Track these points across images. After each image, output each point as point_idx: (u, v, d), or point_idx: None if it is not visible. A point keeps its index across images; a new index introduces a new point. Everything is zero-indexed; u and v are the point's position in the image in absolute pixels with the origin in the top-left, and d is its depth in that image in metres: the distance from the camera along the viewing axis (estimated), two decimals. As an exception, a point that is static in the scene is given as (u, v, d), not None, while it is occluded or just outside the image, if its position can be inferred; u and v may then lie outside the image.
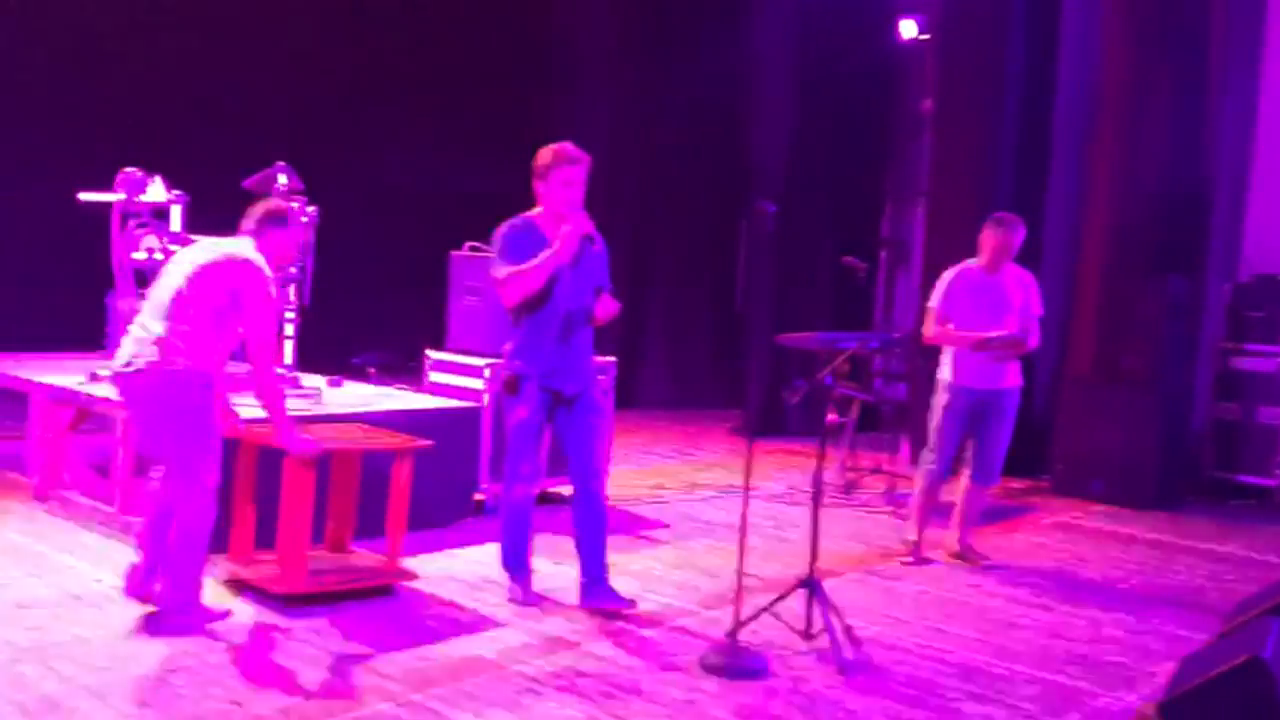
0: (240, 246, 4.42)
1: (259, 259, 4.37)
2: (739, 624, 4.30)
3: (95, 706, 3.56)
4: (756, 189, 10.80)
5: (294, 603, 4.59)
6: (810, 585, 4.53)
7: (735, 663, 4.18)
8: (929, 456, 5.93)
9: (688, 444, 9.00)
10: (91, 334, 6.89)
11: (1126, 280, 8.20)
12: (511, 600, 4.81)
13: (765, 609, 4.49)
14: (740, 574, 4.31)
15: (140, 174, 6.08)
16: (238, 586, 4.77)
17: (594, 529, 4.85)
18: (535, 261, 4.59)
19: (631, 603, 4.79)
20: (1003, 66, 8.69)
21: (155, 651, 4.05)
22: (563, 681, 4.00)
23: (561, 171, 4.65)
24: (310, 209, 6.44)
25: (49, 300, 7.65)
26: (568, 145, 4.72)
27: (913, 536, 6.00)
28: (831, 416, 7.75)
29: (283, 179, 6.24)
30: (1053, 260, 9.05)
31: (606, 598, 4.78)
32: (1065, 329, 9.13)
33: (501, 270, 4.66)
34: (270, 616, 4.50)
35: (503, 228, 4.75)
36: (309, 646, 4.19)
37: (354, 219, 9.52)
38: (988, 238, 5.83)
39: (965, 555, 6.01)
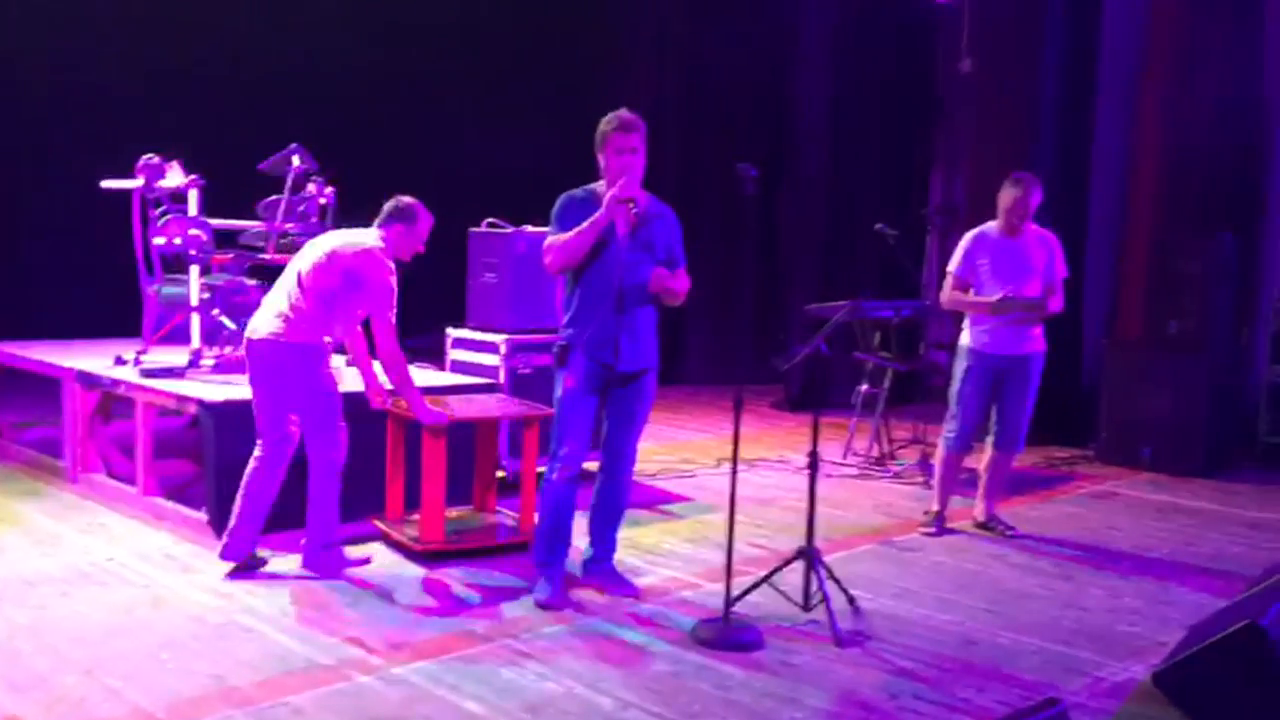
0: (364, 237, 4.82)
1: (379, 248, 4.75)
2: (730, 598, 4.21)
3: (82, 682, 3.63)
4: (797, 156, 10.68)
5: (432, 559, 4.98)
6: (807, 556, 4.45)
7: (726, 635, 4.12)
8: (949, 425, 5.80)
9: (723, 419, 8.87)
10: (129, 321, 7.03)
11: (1175, 239, 7.92)
12: (538, 602, 4.45)
13: (760, 581, 4.44)
14: (729, 547, 4.24)
15: (159, 160, 6.17)
16: (390, 544, 5.21)
17: (612, 512, 4.75)
18: (575, 230, 4.43)
19: (637, 592, 4.65)
20: (1042, 18, 8.41)
21: (149, 629, 4.11)
22: (549, 654, 3.98)
23: (616, 139, 4.47)
24: (329, 190, 6.50)
25: (88, 288, 7.82)
26: (624, 112, 4.52)
27: (935, 507, 5.88)
28: (863, 386, 7.73)
29: (296, 160, 6.28)
30: (1100, 220, 8.78)
31: (611, 581, 4.69)
32: (1114, 292, 8.87)
33: (548, 238, 4.54)
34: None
35: (560, 199, 4.61)
36: (343, 610, 4.24)
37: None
38: (1003, 199, 5.66)
39: (990, 525, 5.87)
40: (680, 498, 6.41)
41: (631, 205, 4.43)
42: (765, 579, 4.44)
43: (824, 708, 3.62)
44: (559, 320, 4.67)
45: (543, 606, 4.43)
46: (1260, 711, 3.39)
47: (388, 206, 4.89)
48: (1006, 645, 4.24)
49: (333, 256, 4.72)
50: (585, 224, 4.41)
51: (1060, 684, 3.87)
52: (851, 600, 4.58)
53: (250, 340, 4.75)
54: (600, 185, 4.58)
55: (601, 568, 4.76)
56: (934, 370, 10.48)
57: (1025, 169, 8.15)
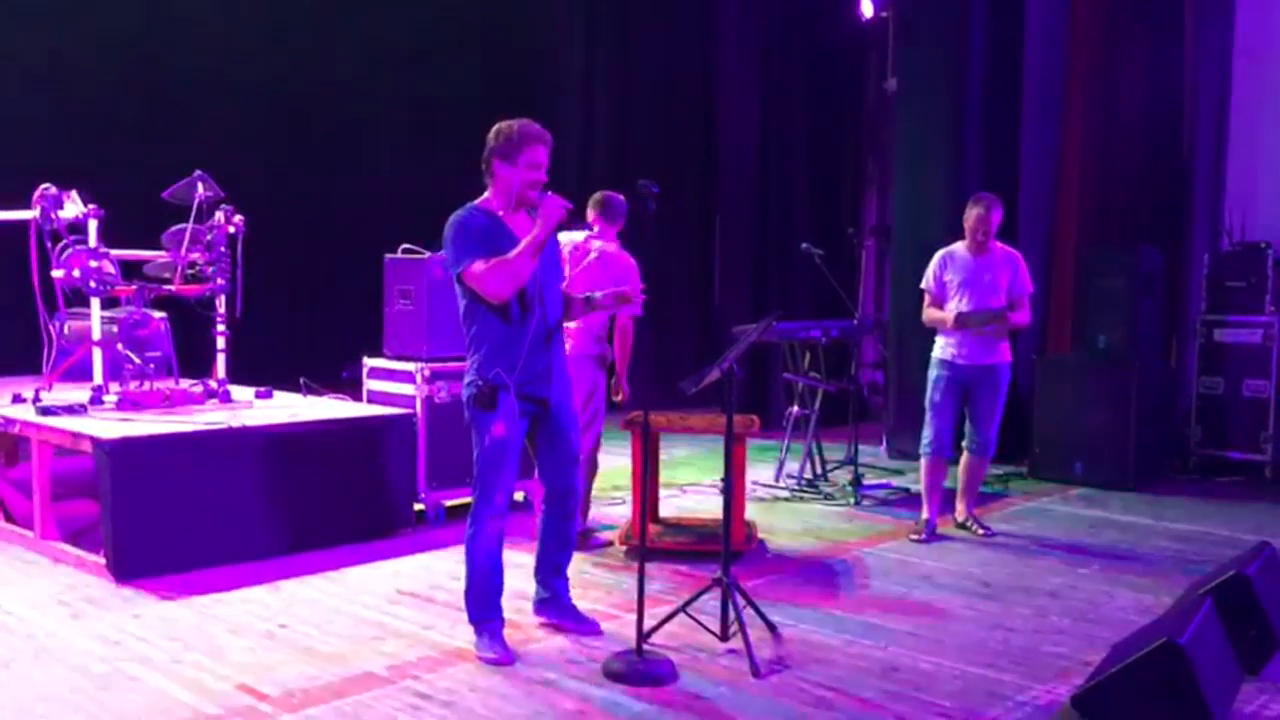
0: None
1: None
2: (642, 630, 4.05)
3: (-56, 741, 3.41)
4: (729, 180, 10.62)
5: (634, 556, 5.16)
6: (724, 585, 4.30)
7: (638, 669, 3.95)
8: (925, 433, 6.05)
9: (663, 443, 8.72)
10: (33, 358, 6.76)
11: (1100, 253, 7.92)
12: (484, 659, 4.11)
13: (675, 613, 4.30)
14: (640, 577, 4.07)
15: (55, 190, 5.94)
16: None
17: (566, 549, 4.46)
18: (520, 248, 3.98)
19: (598, 628, 4.43)
20: (965, 39, 8.40)
21: (27, 683, 3.88)
22: (451, 697, 3.79)
23: (532, 151, 4.08)
24: (237, 218, 6.31)
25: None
26: (532, 123, 4.14)
27: (924, 515, 6.09)
28: (794, 408, 7.64)
29: (201, 187, 6.09)
30: (1029, 238, 8.75)
31: (571, 619, 4.44)
32: (1045, 308, 8.86)
33: (478, 264, 4.00)
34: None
35: (461, 218, 4.10)
36: (238, 655, 4.02)
37: (317, 227, 9.36)
38: (967, 218, 5.94)
39: (967, 525, 6.15)
40: (608, 524, 6.24)
41: (575, 218, 4.13)
42: (680, 609, 4.30)
43: (735, 743, 3.48)
44: (460, 352, 4.35)
45: (494, 664, 4.07)
46: (1180, 732, 3.28)
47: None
48: (929, 670, 4.11)
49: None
50: (530, 240, 3.98)
51: (981, 709, 3.75)
52: (772, 627, 4.45)
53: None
54: (490, 200, 4.18)
55: (560, 604, 4.48)
56: (872, 390, 10.48)
57: (953, 187, 8.24)
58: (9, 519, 5.97)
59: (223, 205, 6.26)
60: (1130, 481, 7.37)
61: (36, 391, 5.93)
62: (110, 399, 5.93)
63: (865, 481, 7.27)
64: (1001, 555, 5.75)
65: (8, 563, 5.39)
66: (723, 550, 4.35)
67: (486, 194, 4.22)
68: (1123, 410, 7.43)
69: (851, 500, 6.95)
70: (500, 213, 4.17)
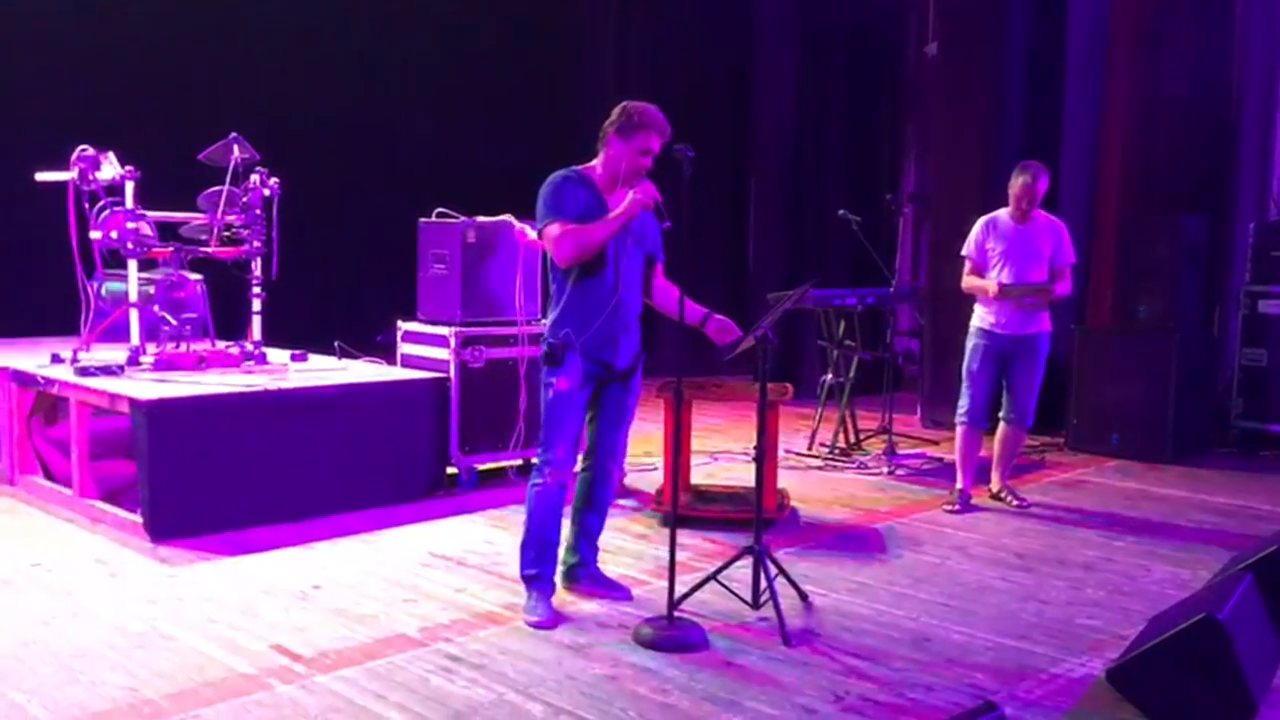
0: None
1: None
2: (673, 596, 4.04)
3: (-15, 694, 3.46)
4: (764, 144, 10.51)
5: (665, 522, 5.13)
6: (755, 553, 4.29)
7: (669, 636, 3.95)
8: (961, 402, 6.02)
9: (695, 410, 8.70)
10: (73, 318, 6.82)
11: (1143, 222, 7.79)
12: (529, 622, 4.14)
13: (706, 580, 4.28)
14: (672, 543, 4.06)
15: (93, 151, 5.97)
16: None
17: (601, 514, 4.54)
18: (598, 224, 4.09)
19: (629, 594, 4.48)
20: (1008, 3, 8.24)
21: (65, 639, 3.93)
22: (482, 660, 3.81)
23: (649, 138, 4.14)
24: (273, 180, 6.31)
25: (30, 285, 7.57)
26: (658, 111, 4.18)
27: (958, 485, 6.05)
28: (828, 375, 7.58)
29: (236, 150, 6.10)
30: (1070, 206, 8.61)
31: (602, 586, 4.50)
32: (1085, 277, 8.73)
33: (554, 228, 4.11)
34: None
35: (558, 180, 4.19)
36: (272, 615, 4.06)
37: (366, 191, 9.37)
38: (1012, 185, 5.87)
39: (1001, 496, 6.12)
40: (637, 492, 6.25)
41: (660, 215, 4.15)
42: (711, 576, 4.29)
43: (765, 711, 3.46)
44: (533, 313, 4.39)
45: (539, 627, 4.11)
46: (1216, 707, 3.25)
47: None
48: (960, 641, 4.08)
49: None
50: (611, 217, 4.09)
51: (1014, 681, 3.72)
52: (804, 596, 4.43)
53: None
54: (592, 169, 4.26)
55: (589, 572, 4.54)
56: (907, 358, 10.40)
57: (994, 154, 8.12)
58: (49, 477, 6.04)
59: (258, 168, 6.27)
60: (1168, 454, 7.28)
61: (74, 352, 5.98)
62: (147, 360, 5.97)
63: (899, 450, 7.23)
64: (1036, 527, 5.70)
65: (47, 521, 5.47)
66: (754, 518, 4.34)
67: (595, 161, 4.28)
68: (1162, 382, 7.33)
69: (885, 469, 6.91)
70: (600, 184, 4.24)
